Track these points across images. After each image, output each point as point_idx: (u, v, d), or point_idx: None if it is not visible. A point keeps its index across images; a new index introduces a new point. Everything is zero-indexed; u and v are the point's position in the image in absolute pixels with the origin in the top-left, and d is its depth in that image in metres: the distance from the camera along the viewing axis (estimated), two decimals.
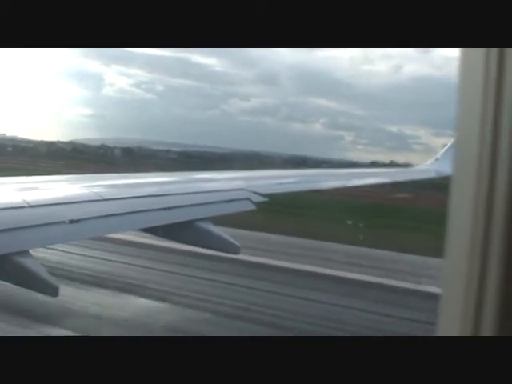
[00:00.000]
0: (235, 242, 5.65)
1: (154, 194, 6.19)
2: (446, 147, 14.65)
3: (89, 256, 18.77)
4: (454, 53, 1.52)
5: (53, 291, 4.09)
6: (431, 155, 15.58)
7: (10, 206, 4.53)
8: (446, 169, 12.07)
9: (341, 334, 12.61)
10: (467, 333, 1.35)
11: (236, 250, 5.69)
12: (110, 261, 18.96)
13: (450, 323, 1.41)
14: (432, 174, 13.78)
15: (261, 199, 6.82)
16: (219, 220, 5.99)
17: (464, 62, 1.42)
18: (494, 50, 1.34)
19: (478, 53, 1.37)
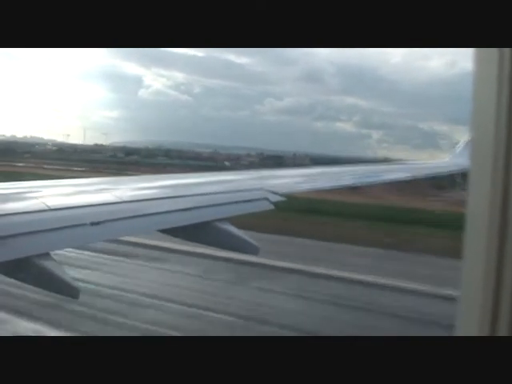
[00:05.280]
0: (254, 243, 5.65)
1: (174, 195, 6.23)
2: (465, 141, 14.47)
3: None
4: None
5: (74, 293, 4.15)
6: None
7: (31, 209, 4.60)
8: (466, 162, 11.87)
9: None
10: (485, 333, 1.35)
11: (255, 251, 5.69)
12: None
13: (468, 324, 1.41)
14: (453, 168, 13.61)
15: (279, 199, 6.83)
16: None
17: (478, 62, 1.42)
18: (508, 50, 1.34)
19: (492, 52, 1.37)
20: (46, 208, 4.64)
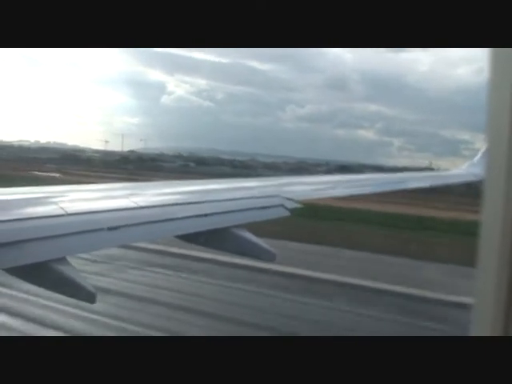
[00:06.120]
0: (271, 249, 5.64)
1: (191, 201, 6.25)
2: (483, 150, 14.37)
3: None
4: None
5: (90, 298, 4.16)
6: None
7: (49, 214, 4.65)
8: (483, 171, 11.76)
9: None
10: (498, 333, 1.34)
11: (271, 258, 5.68)
12: None
13: (482, 324, 1.39)
14: (471, 178, 13.50)
15: (295, 205, 6.82)
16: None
17: (494, 63, 1.41)
18: None
19: (508, 53, 1.36)
20: (64, 213, 4.69)
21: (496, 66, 1.40)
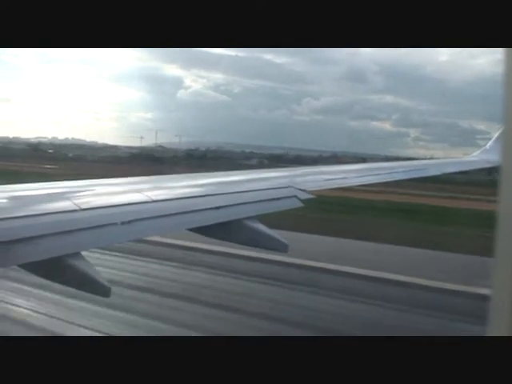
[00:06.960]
0: (284, 240, 5.63)
1: (204, 193, 6.26)
2: (495, 137, 14.30)
3: None
4: None
5: (105, 292, 4.19)
6: None
7: (63, 210, 4.67)
8: (496, 158, 11.75)
9: None
10: None
11: (284, 249, 5.68)
12: None
13: (500, 324, 1.38)
14: (484, 164, 13.44)
15: (307, 196, 6.81)
16: None
17: (509, 61, 1.39)
18: None
19: None
20: (77, 208, 4.72)
21: (510, 62, 1.39)
